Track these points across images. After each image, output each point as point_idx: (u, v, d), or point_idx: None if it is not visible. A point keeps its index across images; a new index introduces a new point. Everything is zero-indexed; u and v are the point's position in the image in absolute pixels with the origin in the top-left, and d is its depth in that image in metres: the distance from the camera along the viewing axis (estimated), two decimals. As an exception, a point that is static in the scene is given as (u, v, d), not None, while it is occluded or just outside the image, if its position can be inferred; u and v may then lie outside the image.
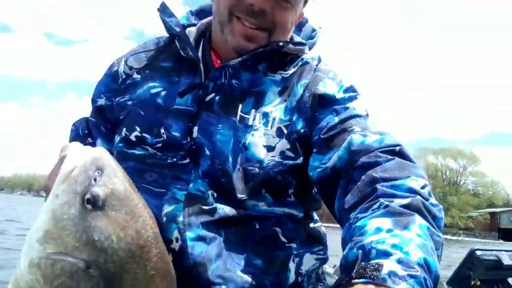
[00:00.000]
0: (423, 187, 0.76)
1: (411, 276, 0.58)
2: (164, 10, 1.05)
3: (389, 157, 0.81)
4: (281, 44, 0.97)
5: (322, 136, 0.92)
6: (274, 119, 0.95)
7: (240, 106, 0.96)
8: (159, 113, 0.97)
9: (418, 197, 0.73)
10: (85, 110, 1.20)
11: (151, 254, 0.65)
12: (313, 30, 1.13)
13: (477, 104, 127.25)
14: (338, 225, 0.84)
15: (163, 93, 0.99)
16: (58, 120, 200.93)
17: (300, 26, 1.14)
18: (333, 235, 1.93)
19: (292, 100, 0.97)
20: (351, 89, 1.00)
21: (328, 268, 3.96)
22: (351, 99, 0.98)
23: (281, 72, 1.01)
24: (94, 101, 1.12)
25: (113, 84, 1.08)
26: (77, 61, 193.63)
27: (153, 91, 1.00)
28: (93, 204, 0.63)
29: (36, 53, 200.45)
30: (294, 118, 0.96)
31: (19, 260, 0.66)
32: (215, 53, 1.04)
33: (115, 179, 0.66)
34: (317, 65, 1.03)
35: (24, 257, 0.65)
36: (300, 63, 1.03)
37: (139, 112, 0.99)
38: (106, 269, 0.63)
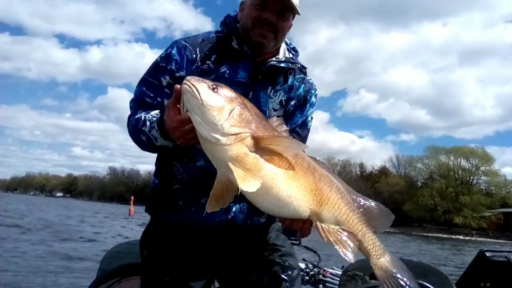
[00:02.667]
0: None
1: None
2: (228, 19, 1.70)
3: None
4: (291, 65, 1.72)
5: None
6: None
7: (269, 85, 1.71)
8: (228, 84, 1.46)
9: None
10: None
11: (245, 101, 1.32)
12: (286, 43, 1.79)
13: (491, 103, 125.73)
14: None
15: (228, 71, 1.62)
16: (70, 120, 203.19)
17: None
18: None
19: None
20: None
21: (336, 269, 3.94)
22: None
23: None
24: (171, 70, 1.61)
25: (190, 65, 1.61)
26: (89, 62, 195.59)
27: (222, 70, 1.62)
28: (214, 88, 1.25)
29: (47, 54, 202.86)
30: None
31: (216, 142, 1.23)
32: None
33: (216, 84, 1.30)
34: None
35: (211, 131, 1.22)
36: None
37: None
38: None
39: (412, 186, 66.29)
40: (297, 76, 1.77)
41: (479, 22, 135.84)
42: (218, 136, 1.21)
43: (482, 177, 64.26)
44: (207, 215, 1.50)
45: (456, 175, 64.50)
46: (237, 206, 1.64)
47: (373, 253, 1.38)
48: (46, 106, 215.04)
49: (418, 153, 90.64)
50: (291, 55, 1.77)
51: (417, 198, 60.68)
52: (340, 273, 3.37)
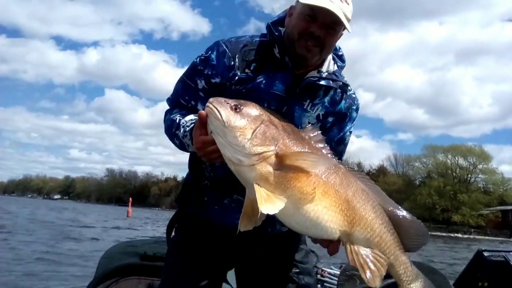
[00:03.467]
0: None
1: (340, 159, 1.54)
2: (274, 25, 1.61)
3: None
4: (332, 83, 1.63)
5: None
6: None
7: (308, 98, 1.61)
8: (262, 95, 1.53)
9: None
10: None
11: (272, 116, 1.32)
12: (335, 48, 1.68)
13: (488, 101, 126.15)
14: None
15: (264, 81, 1.56)
16: (67, 122, 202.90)
17: None
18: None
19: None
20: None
21: (334, 269, 3.94)
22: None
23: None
24: (207, 75, 1.59)
25: (227, 72, 1.57)
26: (86, 64, 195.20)
27: (258, 80, 1.56)
28: (237, 108, 1.25)
29: (44, 57, 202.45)
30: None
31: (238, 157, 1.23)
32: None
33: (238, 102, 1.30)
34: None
35: (234, 153, 1.22)
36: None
37: (252, 94, 1.52)
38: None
39: (410, 185, 66.36)
40: (338, 91, 1.68)
41: (475, 21, 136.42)
42: (241, 157, 1.21)
43: (480, 175, 64.38)
44: (229, 216, 1.55)
45: (454, 174, 64.59)
46: None
47: (404, 278, 1.34)
48: (43, 108, 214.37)
49: (416, 152, 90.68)
50: (336, 67, 1.68)
51: (415, 197, 60.71)
52: (338, 273, 3.36)
